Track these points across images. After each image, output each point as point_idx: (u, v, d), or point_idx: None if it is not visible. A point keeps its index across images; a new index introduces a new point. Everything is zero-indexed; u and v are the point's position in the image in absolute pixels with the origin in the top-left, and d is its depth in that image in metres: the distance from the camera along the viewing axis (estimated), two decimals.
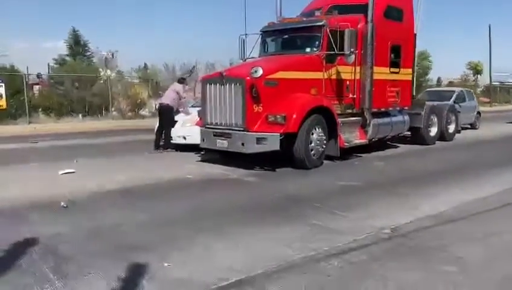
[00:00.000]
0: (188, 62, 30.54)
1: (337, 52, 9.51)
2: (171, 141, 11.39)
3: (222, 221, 5.44)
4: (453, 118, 14.45)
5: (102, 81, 26.92)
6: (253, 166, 8.95)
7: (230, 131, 8.88)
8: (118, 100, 24.82)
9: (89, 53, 37.36)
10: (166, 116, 11.28)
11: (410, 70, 12.12)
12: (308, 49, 9.83)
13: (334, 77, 9.88)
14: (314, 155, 9.03)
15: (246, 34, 10.96)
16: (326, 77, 9.67)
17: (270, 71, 8.75)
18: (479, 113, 18.95)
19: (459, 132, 14.94)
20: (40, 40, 66.75)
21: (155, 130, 11.97)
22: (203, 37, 73.53)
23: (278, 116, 8.52)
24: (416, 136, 13.04)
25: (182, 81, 12.14)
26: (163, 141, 11.51)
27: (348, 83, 10.17)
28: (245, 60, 11.09)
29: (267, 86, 8.72)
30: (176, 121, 11.36)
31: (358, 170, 9.10)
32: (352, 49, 9.47)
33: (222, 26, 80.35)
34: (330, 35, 9.48)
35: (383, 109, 11.16)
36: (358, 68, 10.24)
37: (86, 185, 7.38)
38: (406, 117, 12.27)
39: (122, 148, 12.48)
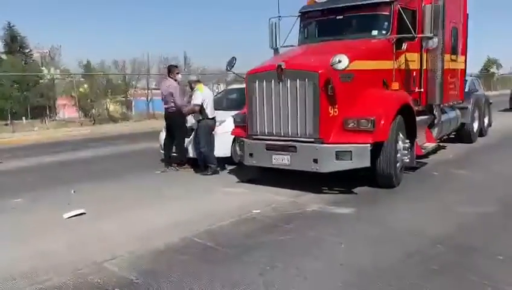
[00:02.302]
0: (140, 57, 28.04)
1: (415, 36, 7.44)
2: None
3: None
4: (487, 110, 12.93)
5: (43, 80, 24.30)
6: (319, 187, 6.80)
7: (294, 143, 6.58)
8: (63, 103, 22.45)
9: (28, 50, 33.89)
10: (177, 123, 8.71)
11: (464, 57, 10.29)
12: (375, 32, 7.67)
13: (403, 67, 7.82)
14: (399, 169, 6.95)
15: (280, 17, 8.65)
16: (396, 67, 7.57)
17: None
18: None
19: (490, 125, 13.44)
20: None
21: (160, 139, 9.40)
22: (154, 30, 69.66)
23: (363, 121, 6.32)
24: (463, 134, 11.29)
25: (173, 68, 9.14)
26: (174, 153, 8.97)
27: (414, 73, 8.15)
28: (277, 49, 8.80)
29: (343, 80, 6.51)
30: (192, 129, 8.82)
31: (459, 185, 7.09)
32: (435, 31, 7.42)
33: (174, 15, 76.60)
34: (403, 14, 7.41)
35: (446, 104, 9.27)
36: (425, 56, 8.25)
37: (120, 239, 4.85)
38: (458, 112, 10.51)
39: (117, 165, 9.82)
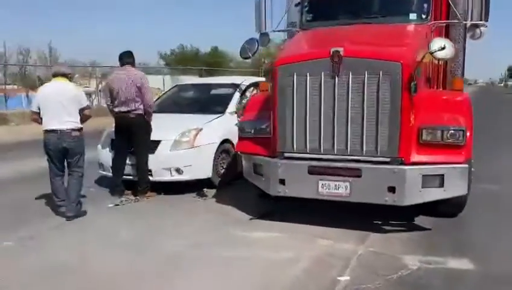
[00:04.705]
0: None
1: (463, 22, 5.92)
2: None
3: None
4: None
5: None
6: (365, 220, 5.01)
7: (358, 164, 4.56)
8: None
9: None
10: (141, 133, 6.04)
11: None
12: (413, 16, 5.96)
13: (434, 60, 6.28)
14: None
15: None
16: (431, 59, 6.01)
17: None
18: None
19: None
20: None
21: (102, 157, 6.58)
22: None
23: (452, 132, 4.56)
24: None
25: (132, 61, 6.26)
26: (129, 176, 6.27)
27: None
28: (263, 34, 6.66)
29: (418, 76, 4.70)
30: (157, 142, 6.21)
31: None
32: (486, 18, 6.00)
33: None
34: None
35: None
36: None
37: None
38: None
39: (31, 193, 6.60)
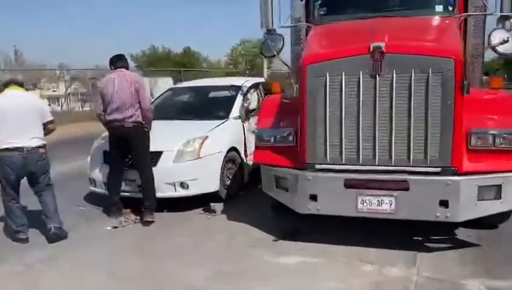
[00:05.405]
0: None
1: (494, 13, 5.42)
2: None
3: None
4: None
5: None
6: (403, 239, 4.41)
7: (404, 176, 3.98)
8: None
9: None
10: (142, 144, 5.27)
11: None
12: (439, 8, 5.42)
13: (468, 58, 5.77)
14: None
15: None
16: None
17: None
18: None
19: None
20: None
21: (94, 173, 5.80)
22: None
23: (505, 134, 4.02)
24: None
25: (126, 64, 5.50)
26: (127, 192, 5.51)
27: None
28: (271, 31, 6.01)
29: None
30: (158, 153, 5.47)
31: None
32: None
33: None
34: None
35: None
36: None
37: None
38: None
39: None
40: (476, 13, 5.41)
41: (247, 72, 30.60)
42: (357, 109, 4.01)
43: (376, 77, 3.93)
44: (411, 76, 3.85)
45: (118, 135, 5.19)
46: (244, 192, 6.31)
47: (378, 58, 3.89)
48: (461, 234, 4.56)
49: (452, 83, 3.79)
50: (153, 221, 5.16)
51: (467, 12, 5.47)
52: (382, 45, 3.89)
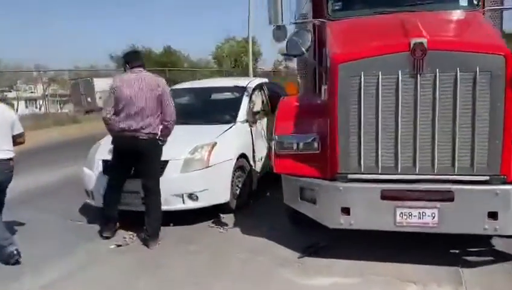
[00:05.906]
0: None
1: None
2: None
3: None
4: None
5: None
6: (439, 252, 4.05)
7: (448, 186, 3.61)
8: None
9: None
10: (155, 159, 4.69)
11: None
12: (464, 2, 5.09)
13: None
14: None
15: None
16: None
17: None
18: None
19: None
20: None
21: (88, 185, 5.28)
22: None
23: None
24: None
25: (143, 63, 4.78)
26: (128, 206, 5.00)
27: None
28: (279, 27, 5.60)
29: None
30: (164, 162, 4.96)
31: None
32: None
33: None
34: None
35: None
36: None
37: None
38: None
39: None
40: (503, 7, 5.12)
41: (233, 72, 30.09)
42: (395, 112, 3.63)
43: (417, 77, 3.55)
44: (456, 75, 3.47)
45: (127, 146, 4.55)
46: (253, 200, 5.89)
47: (419, 55, 3.50)
48: (499, 245, 4.21)
49: (502, 82, 3.43)
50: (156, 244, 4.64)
51: (486, 5, 5.17)
52: (424, 41, 3.50)
